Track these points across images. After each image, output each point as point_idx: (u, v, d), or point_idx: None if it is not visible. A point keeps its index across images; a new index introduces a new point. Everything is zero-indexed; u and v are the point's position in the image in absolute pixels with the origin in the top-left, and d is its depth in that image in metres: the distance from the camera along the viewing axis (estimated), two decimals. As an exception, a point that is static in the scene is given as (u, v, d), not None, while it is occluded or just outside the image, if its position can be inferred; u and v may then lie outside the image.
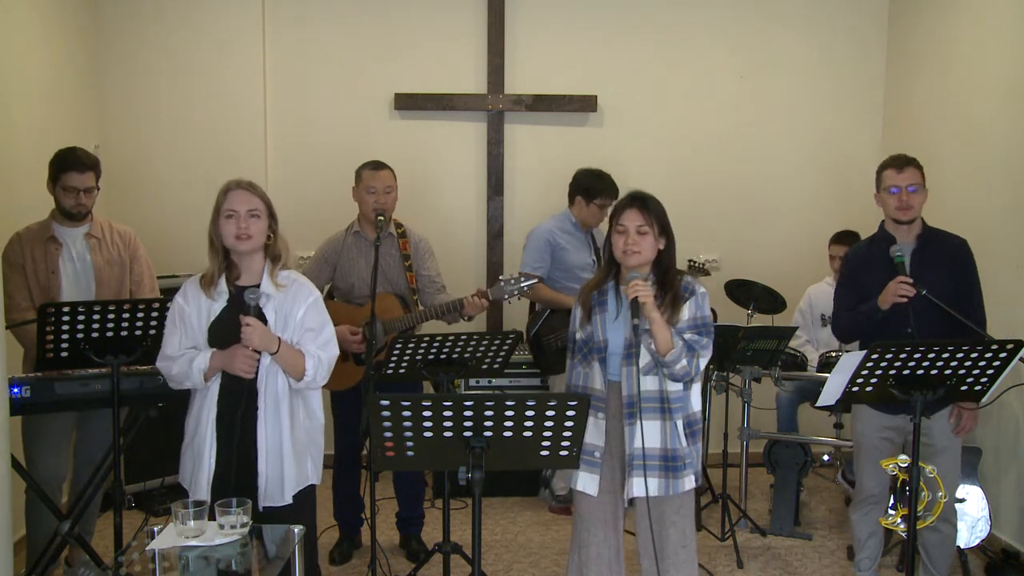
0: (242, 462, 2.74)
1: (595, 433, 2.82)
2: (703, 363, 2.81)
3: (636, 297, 2.70)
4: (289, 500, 2.78)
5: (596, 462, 2.83)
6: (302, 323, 2.79)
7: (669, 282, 2.82)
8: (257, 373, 2.73)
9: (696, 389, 2.88)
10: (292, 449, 2.77)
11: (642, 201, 2.84)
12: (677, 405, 2.81)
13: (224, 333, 2.74)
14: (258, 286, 2.76)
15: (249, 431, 2.74)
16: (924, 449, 3.24)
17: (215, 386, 2.77)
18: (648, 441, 2.77)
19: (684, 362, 2.75)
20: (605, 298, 2.89)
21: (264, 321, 2.74)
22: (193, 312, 2.79)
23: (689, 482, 2.83)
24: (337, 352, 2.86)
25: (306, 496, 2.85)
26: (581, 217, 4.37)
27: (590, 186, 4.29)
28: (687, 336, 2.79)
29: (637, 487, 2.78)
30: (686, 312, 2.82)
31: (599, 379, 2.84)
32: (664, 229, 2.85)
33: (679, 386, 2.82)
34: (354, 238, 3.93)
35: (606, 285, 2.91)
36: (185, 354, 2.77)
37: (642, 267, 2.82)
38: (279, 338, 2.72)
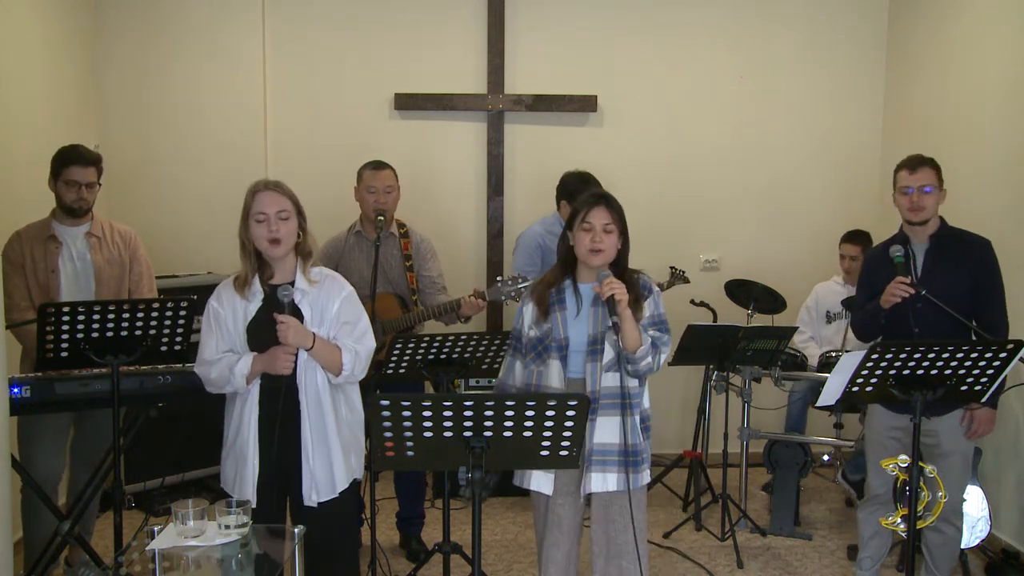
0: (287, 460, 2.75)
1: None
2: (663, 359, 2.87)
3: (613, 295, 2.71)
4: (337, 493, 2.80)
5: None
6: (337, 317, 2.81)
7: (627, 281, 2.84)
8: (296, 370, 2.73)
9: (646, 387, 2.92)
10: (339, 442, 2.80)
11: (607, 200, 2.86)
12: (636, 401, 2.85)
13: (262, 333, 2.75)
14: (292, 283, 2.78)
15: (292, 429, 2.75)
16: (929, 451, 3.25)
17: (255, 388, 2.78)
18: (608, 436, 2.80)
19: (650, 359, 2.80)
20: (563, 296, 2.89)
21: (300, 317, 2.75)
22: (228, 315, 2.79)
23: (646, 476, 2.88)
24: (374, 344, 2.88)
25: (351, 490, 2.88)
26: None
27: (575, 190, 4.25)
28: (651, 333, 2.83)
29: (596, 482, 2.81)
30: (647, 310, 2.86)
31: (557, 377, 2.84)
32: (624, 229, 2.88)
33: (636, 382, 2.86)
34: (356, 238, 3.94)
35: (563, 283, 2.91)
36: (223, 358, 2.77)
37: (604, 266, 2.84)
38: (313, 334, 2.73)
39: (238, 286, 2.80)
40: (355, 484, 2.91)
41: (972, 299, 3.24)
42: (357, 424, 2.92)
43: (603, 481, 2.80)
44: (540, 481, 2.86)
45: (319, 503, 2.79)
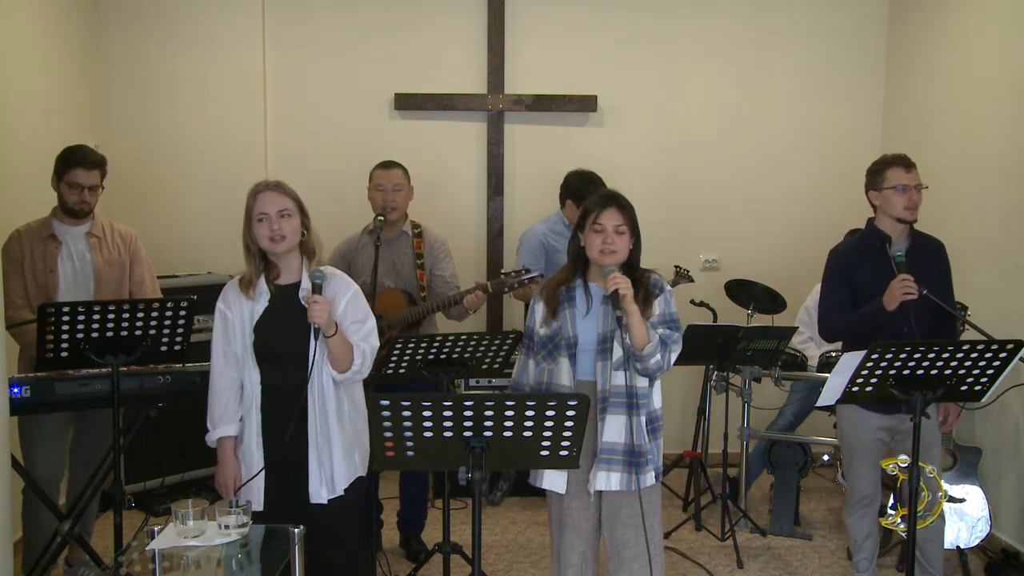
0: (292, 461, 2.76)
1: None
2: (674, 358, 2.86)
3: (617, 289, 2.71)
4: (340, 492, 2.80)
5: None
6: (344, 316, 2.79)
7: (639, 279, 2.85)
8: (311, 371, 2.72)
9: (657, 387, 2.92)
10: (341, 443, 2.79)
11: (618, 201, 2.86)
12: (643, 401, 2.84)
13: (268, 332, 2.75)
14: (298, 283, 2.77)
15: (300, 429, 2.74)
16: (907, 448, 3.24)
17: (256, 390, 2.77)
18: (613, 435, 2.80)
19: (658, 356, 2.79)
20: (573, 294, 2.90)
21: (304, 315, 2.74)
22: (236, 317, 2.79)
23: (651, 477, 2.86)
24: (378, 343, 2.87)
25: (356, 488, 2.87)
26: (573, 219, 4.37)
27: (579, 188, 4.28)
28: (660, 331, 2.82)
29: (600, 481, 2.81)
30: (656, 308, 2.85)
31: (567, 375, 2.85)
32: (635, 229, 2.88)
33: (645, 382, 2.86)
34: (368, 237, 3.95)
35: (574, 282, 2.91)
36: (227, 408, 2.79)
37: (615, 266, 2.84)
38: (336, 323, 2.72)
39: (243, 287, 2.79)
40: (360, 481, 2.90)
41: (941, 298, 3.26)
42: (362, 422, 2.91)
43: (607, 480, 2.81)
44: (553, 480, 2.85)
45: (327, 501, 2.78)
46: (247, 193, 2.80)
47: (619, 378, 2.81)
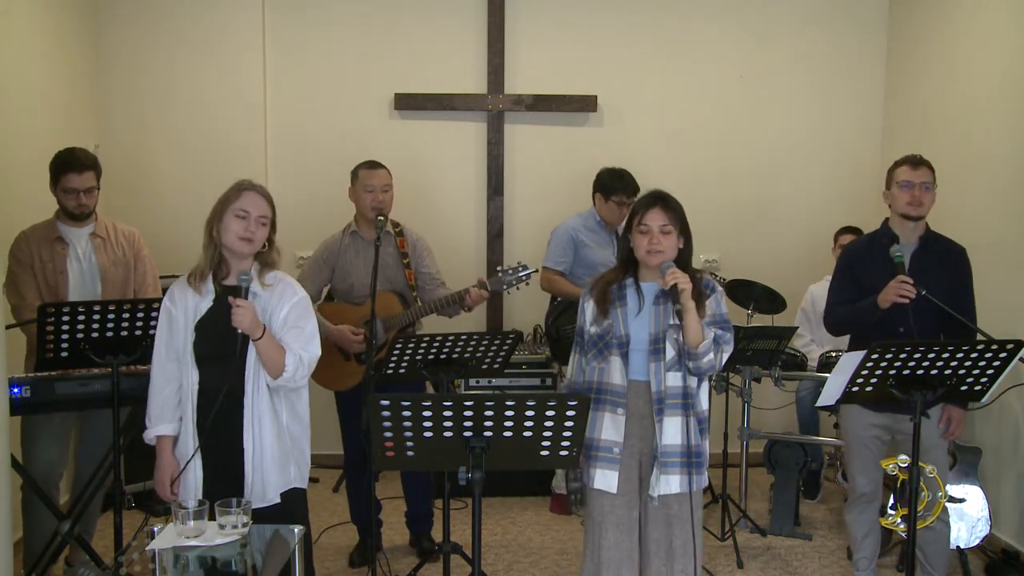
0: (228, 464, 2.73)
1: (614, 430, 2.79)
2: (725, 357, 2.82)
3: (676, 284, 2.69)
4: (274, 501, 2.76)
5: (616, 459, 2.80)
6: (285, 321, 2.77)
7: (691, 279, 2.80)
8: (244, 374, 2.70)
9: (705, 387, 2.89)
10: (275, 451, 2.76)
11: (664, 201, 2.85)
12: (696, 401, 2.82)
13: (208, 333, 2.73)
14: (248, 273, 2.75)
15: (235, 432, 2.72)
16: (907, 449, 3.24)
17: (194, 390, 2.74)
18: (672, 438, 2.77)
19: (711, 355, 2.76)
20: (624, 293, 2.87)
21: None
22: (180, 314, 2.76)
23: (705, 478, 2.87)
24: (319, 352, 2.82)
25: (294, 498, 2.83)
26: (603, 214, 4.41)
27: (608, 184, 4.35)
28: (714, 331, 2.79)
29: (663, 485, 2.79)
30: (709, 308, 2.82)
31: (619, 374, 2.82)
32: (683, 228, 2.87)
33: (695, 381, 2.83)
34: (351, 238, 3.93)
35: (624, 281, 2.89)
36: (166, 406, 2.76)
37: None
38: (264, 326, 2.70)
39: (193, 280, 2.77)
40: (298, 493, 2.85)
41: (950, 303, 3.24)
42: (302, 433, 2.86)
43: (667, 483, 2.79)
44: (605, 479, 2.82)
45: (257, 508, 2.69)
46: (231, 185, 2.78)
47: (674, 379, 2.79)
